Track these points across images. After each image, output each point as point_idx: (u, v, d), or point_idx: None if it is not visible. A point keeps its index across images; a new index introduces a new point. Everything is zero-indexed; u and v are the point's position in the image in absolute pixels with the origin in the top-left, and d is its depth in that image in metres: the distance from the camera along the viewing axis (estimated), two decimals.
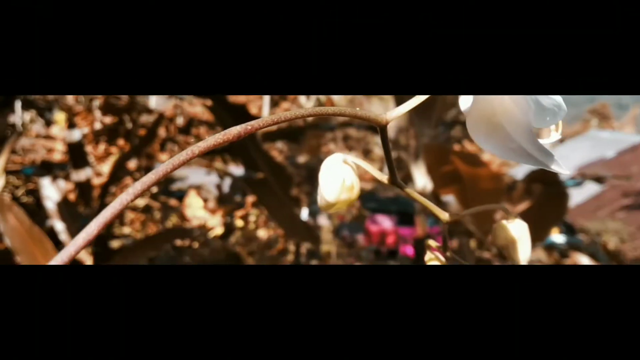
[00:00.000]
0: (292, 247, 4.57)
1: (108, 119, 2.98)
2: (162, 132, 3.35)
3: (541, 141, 0.28)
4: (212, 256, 3.54)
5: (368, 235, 6.86)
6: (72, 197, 1.65)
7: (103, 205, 1.49)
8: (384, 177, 0.30)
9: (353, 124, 3.51)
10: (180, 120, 3.56)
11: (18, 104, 3.77)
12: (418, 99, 0.27)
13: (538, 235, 2.33)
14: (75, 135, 1.61)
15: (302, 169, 3.92)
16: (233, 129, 0.23)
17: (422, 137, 2.65)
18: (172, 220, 3.90)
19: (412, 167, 2.75)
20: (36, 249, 1.24)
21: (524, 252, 0.33)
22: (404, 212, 5.96)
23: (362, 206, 7.66)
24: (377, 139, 3.14)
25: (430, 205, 0.32)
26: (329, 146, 8.64)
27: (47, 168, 1.48)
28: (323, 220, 5.91)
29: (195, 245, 3.57)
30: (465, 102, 0.26)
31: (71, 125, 1.63)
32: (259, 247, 4.63)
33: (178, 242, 3.52)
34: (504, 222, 0.34)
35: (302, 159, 3.98)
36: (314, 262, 4.99)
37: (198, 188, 4.20)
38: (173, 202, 3.98)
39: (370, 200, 7.28)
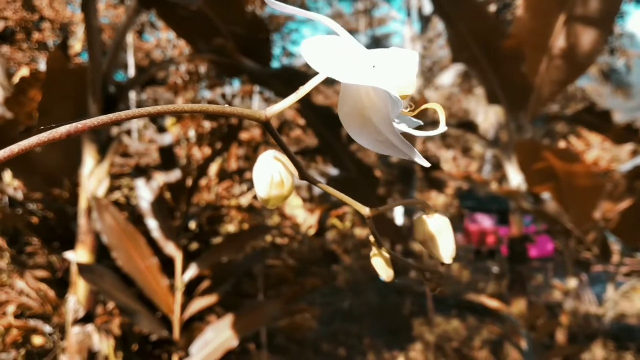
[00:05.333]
0: (386, 245, 4.58)
1: (209, 124, 3.18)
2: (258, 135, 3.51)
3: (433, 131, 0.29)
4: (310, 253, 3.64)
5: (467, 235, 6.64)
6: (167, 196, 1.80)
7: (189, 205, 1.62)
8: (295, 173, 0.30)
9: (448, 122, 3.42)
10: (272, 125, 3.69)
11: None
12: (300, 93, 0.27)
13: None
14: (166, 139, 1.76)
15: (394, 168, 3.91)
16: (62, 128, 0.22)
17: (516, 133, 2.55)
18: (274, 219, 4.07)
19: (506, 164, 2.65)
20: (130, 245, 1.38)
21: (446, 248, 0.32)
22: (505, 211, 5.71)
23: (461, 205, 7.42)
24: (476, 137, 3.03)
25: (349, 201, 0.31)
26: (425, 145, 8.49)
27: (142, 170, 1.64)
28: None
29: (294, 242, 3.68)
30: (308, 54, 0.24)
31: (161, 129, 1.79)
32: (355, 246, 4.69)
33: (278, 240, 3.67)
34: (423, 216, 0.32)
35: (394, 158, 3.94)
36: (409, 260, 4.97)
37: (297, 188, 4.35)
38: None
39: (469, 198, 7.03)
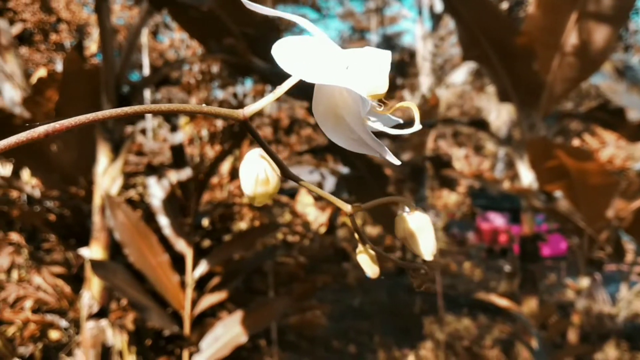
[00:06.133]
0: (398, 243, 4.59)
1: (222, 122, 3.21)
2: (269, 133, 3.53)
3: (407, 130, 0.29)
4: (321, 251, 3.66)
5: (479, 233, 6.62)
6: (178, 194, 1.84)
7: (198, 202, 1.65)
8: (277, 171, 0.30)
9: (460, 120, 3.42)
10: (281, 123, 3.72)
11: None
12: (277, 93, 0.27)
13: None
14: (178, 137, 1.80)
15: (405, 167, 3.91)
16: (40, 128, 0.23)
17: (528, 131, 2.54)
18: (286, 217, 4.10)
19: (518, 163, 2.65)
20: (142, 242, 1.41)
21: (426, 246, 0.32)
22: (518, 209, 5.67)
23: (473, 203, 7.39)
24: (488, 135, 3.03)
25: (331, 199, 0.32)
26: (437, 143, 8.44)
27: (154, 169, 1.67)
28: (431, 218, 5.80)
29: (305, 240, 3.69)
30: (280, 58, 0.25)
31: (174, 128, 1.82)
32: None
33: (290, 238, 3.69)
34: (404, 214, 0.33)
35: (405, 156, 3.96)
36: (419, 259, 4.96)
37: None
38: (284, 199, 4.15)
39: (481, 197, 7.00)
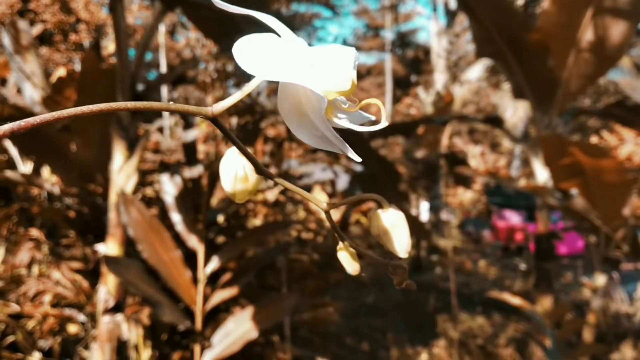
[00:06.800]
0: (412, 241, 4.58)
1: (237, 120, 3.23)
2: (283, 131, 3.54)
3: (375, 127, 0.29)
4: (334, 248, 3.66)
5: (495, 231, 6.57)
6: (192, 191, 1.86)
7: (209, 200, 1.67)
8: (252, 168, 0.30)
9: (474, 117, 3.40)
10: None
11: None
12: (245, 91, 0.27)
13: None
14: (190, 135, 1.82)
15: (419, 164, 3.89)
16: (6, 126, 0.23)
17: (543, 128, 2.52)
18: (299, 214, 4.12)
19: (533, 160, 2.63)
20: (155, 238, 1.44)
21: (401, 243, 0.32)
22: (534, 207, 5.60)
23: (488, 201, 7.33)
24: (503, 132, 3.01)
25: (307, 196, 0.32)
26: (453, 140, 8.39)
27: (167, 166, 1.70)
28: (446, 216, 5.78)
29: (318, 237, 3.70)
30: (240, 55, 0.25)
31: (187, 126, 1.85)
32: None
33: (303, 235, 3.70)
34: (378, 211, 0.32)
35: (420, 153, 3.94)
36: (433, 258, 4.93)
37: (322, 184, 4.38)
38: (298, 196, 4.16)
39: (496, 194, 6.93)
